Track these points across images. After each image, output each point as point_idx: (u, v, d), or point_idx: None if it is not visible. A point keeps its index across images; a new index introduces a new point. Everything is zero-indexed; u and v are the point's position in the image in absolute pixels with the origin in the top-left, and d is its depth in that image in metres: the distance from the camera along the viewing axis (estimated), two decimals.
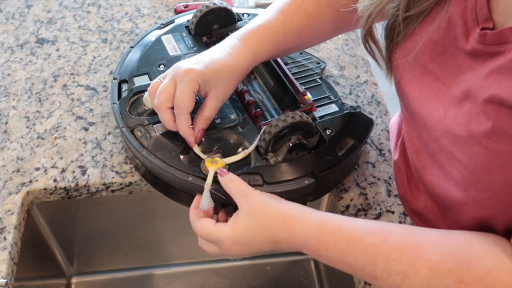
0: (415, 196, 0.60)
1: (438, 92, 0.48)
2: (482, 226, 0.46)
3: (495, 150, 0.41)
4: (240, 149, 0.62)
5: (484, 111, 0.41)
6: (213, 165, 0.59)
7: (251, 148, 0.61)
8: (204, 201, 0.57)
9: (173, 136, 0.62)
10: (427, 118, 0.49)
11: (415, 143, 0.55)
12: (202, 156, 0.61)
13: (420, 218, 0.60)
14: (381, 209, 0.67)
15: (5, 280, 0.59)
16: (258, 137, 0.61)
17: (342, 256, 0.48)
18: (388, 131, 0.76)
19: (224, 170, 0.57)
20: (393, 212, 0.67)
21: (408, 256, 0.45)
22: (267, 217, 0.52)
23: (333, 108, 0.69)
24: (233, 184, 0.55)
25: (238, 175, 0.59)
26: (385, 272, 0.46)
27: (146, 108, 0.65)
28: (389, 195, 0.69)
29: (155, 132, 0.62)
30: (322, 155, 0.62)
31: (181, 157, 0.61)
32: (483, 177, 0.43)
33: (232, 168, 0.60)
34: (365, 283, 0.62)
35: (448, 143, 0.46)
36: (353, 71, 0.84)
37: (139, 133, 0.63)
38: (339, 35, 0.90)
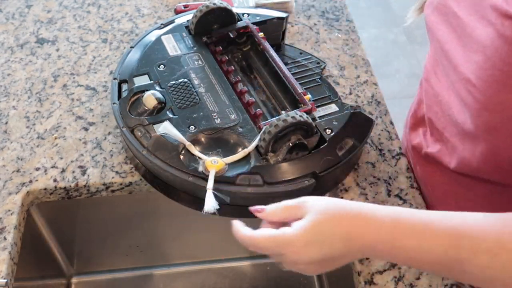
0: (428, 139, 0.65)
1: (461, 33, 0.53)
2: (491, 162, 0.47)
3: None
4: (240, 149, 0.62)
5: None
6: (214, 165, 0.59)
7: (251, 147, 0.61)
8: (208, 203, 0.56)
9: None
10: (450, 51, 0.53)
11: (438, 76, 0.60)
12: (202, 157, 0.61)
13: (429, 161, 0.64)
14: None
15: (5, 280, 0.59)
16: (258, 137, 0.61)
17: (422, 241, 0.44)
18: (388, 131, 0.76)
19: (259, 207, 0.51)
20: None
21: (491, 232, 0.42)
22: (336, 212, 0.47)
23: (333, 108, 0.69)
24: (282, 207, 0.50)
25: (238, 175, 0.59)
26: (471, 253, 0.42)
27: (146, 108, 0.65)
28: (389, 195, 0.69)
29: (155, 132, 0.62)
30: (322, 155, 0.62)
31: (181, 157, 0.61)
32: (494, 97, 0.46)
33: (232, 168, 0.60)
34: (365, 283, 0.62)
35: (465, 70, 0.50)
36: (353, 71, 0.84)
37: (139, 133, 0.63)
38: (339, 35, 0.90)
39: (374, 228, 0.46)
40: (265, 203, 0.51)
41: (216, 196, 0.57)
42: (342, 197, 0.68)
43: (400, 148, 0.74)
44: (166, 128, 0.62)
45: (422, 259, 0.45)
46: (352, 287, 0.66)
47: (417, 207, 0.68)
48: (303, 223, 0.47)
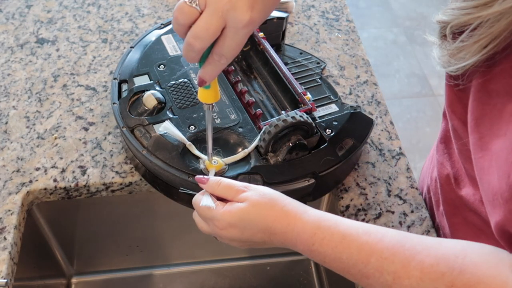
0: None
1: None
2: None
3: None
4: (240, 149, 0.62)
5: None
6: (213, 165, 0.60)
7: (251, 147, 0.61)
8: (204, 202, 0.57)
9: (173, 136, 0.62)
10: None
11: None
12: (202, 157, 0.61)
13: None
14: (381, 209, 0.67)
15: (5, 280, 0.59)
16: (258, 137, 0.61)
17: (336, 252, 0.48)
18: (388, 131, 0.76)
19: (204, 177, 0.56)
20: (393, 212, 0.67)
21: (401, 257, 0.45)
22: (268, 207, 0.51)
23: (333, 108, 0.69)
24: (224, 185, 0.54)
25: (238, 175, 0.59)
26: (377, 271, 0.46)
27: (146, 108, 0.65)
28: (389, 195, 0.69)
29: (155, 132, 0.62)
30: (322, 155, 0.62)
31: (181, 157, 0.61)
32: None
33: (232, 168, 0.60)
34: None
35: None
36: (353, 71, 0.84)
37: (139, 133, 0.63)
38: (339, 35, 0.90)
39: (296, 230, 0.50)
40: None
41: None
42: (342, 197, 0.68)
43: (400, 148, 0.74)
44: (166, 128, 0.62)
45: (334, 266, 0.49)
46: (352, 287, 0.66)
47: (417, 207, 0.68)
48: (233, 207, 0.52)
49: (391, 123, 0.77)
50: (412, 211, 0.67)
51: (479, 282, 0.41)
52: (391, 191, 0.69)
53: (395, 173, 0.71)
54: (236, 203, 0.52)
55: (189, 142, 0.62)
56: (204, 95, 0.53)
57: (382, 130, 0.76)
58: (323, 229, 0.49)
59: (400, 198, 0.69)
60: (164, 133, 0.62)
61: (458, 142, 0.56)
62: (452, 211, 0.63)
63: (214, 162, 0.60)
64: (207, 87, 0.52)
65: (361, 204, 0.68)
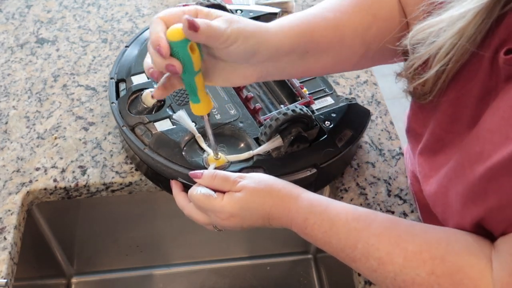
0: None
1: None
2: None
3: None
4: (242, 144, 0.63)
5: None
6: (215, 160, 0.60)
7: (257, 151, 0.61)
8: (203, 191, 0.56)
9: (174, 132, 0.63)
10: None
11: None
12: (208, 150, 0.61)
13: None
14: (381, 209, 0.67)
15: (5, 280, 0.59)
16: (265, 142, 0.61)
17: (326, 236, 0.51)
18: (388, 131, 0.76)
19: (198, 172, 0.56)
20: (393, 212, 0.67)
21: (386, 244, 0.47)
22: (266, 194, 0.53)
23: (329, 100, 0.70)
24: (220, 177, 0.55)
25: (241, 169, 0.60)
26: (363, 256, 0.48)
27: (145, 106, 0.65)
28: (389, 195, 0.69)
29: (156, 130, 0.63)
30: (323, 146, 0.63)
31: (183, 153, 0.61)
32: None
33: (235, 162, 0.61)
34: (365, 283, 0.62)
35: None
36: (353, 71, 0.84)
37: (140, 131, 0.63)
38: None
39: (290, 215, 0.53)
40: None
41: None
42: (342, 197, 0.68)
43: (400, 148, 0.74)
44: (180, 117, 0.63)
45: (325, 248, 0.52)
46: (352, 287, 0.66)
47: (417, 207, 0.68)
48: (233, 198, 0.53)
49: (391, 123, 0.77)
50: (412, 211, 0.67)
51: (459, 271, 0.43)
52: (391, 191, 0.69)
53: (395, 173, 0.71)
54: (234, 193, 0.53)
55: (199, 134, 0.62)
56: (197, 109, 0.54)
57: (382, 130, 0.76)
58: (314, 215, 0.51)
59: (400, 198, 0.69)
60: (176, 121, 0.63)
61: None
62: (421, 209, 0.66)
63: (218, 157, 0.60)
64: (196, 102, 0.52)
65: (361, 204, 0.68)
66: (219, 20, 0.47)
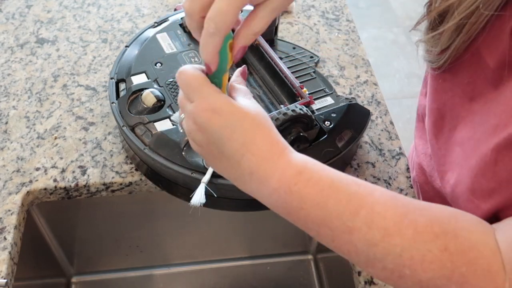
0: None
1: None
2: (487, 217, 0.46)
3: None
4: None
5: None
6: None
7: None
8: (196, 196, 0.56)
9: (174, 132, 0.62)
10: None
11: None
12: None
13: None
14: None
15: (5, 280, 0.59)
16: None
17: (321, 196, 0.41)
18: (388, 131, 0.76)
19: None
20: None
21: (393, 213, 0.41)
22: (262, 127, 0.44)
23: (329, 100, 0.70)
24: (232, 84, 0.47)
25: None
26: (365, 225, 0.40)
27: (145, 106, 0.65)
28: None
29: (156, 130, 0.63)
30: (323, 146, 0.63)
31: (183, 153, 0.61)
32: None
33: None
34: (365, 283, 0.62)
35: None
36: (353, 71, 0.84)
37: (140, 131, 0.63)
38: (339, 35, 0.90)
39: (280, 163, 0.43)
40: None
41: (208, 192, 0.57)
42: None
43: (400, 148, 0.74)
44: (180, 118, 0.63)
45: (313, 214, 0.42)
46: (352, 287, 0.66)
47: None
48: (226, 96, 0.44)
49: (391, 123, 0.77)
50: None
51: (472, 248, 0.39)
52: (391, 191, 0.69)
53: (395, 173, 0.71)
54: (235, 97, 0.45)
55: None
56: None
57: (382, 130, 0.76)
58: (311, 169, 0.43)
59: None
60: (175, 122, 0.63)
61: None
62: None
63: None
64: None
65: None
66: None
